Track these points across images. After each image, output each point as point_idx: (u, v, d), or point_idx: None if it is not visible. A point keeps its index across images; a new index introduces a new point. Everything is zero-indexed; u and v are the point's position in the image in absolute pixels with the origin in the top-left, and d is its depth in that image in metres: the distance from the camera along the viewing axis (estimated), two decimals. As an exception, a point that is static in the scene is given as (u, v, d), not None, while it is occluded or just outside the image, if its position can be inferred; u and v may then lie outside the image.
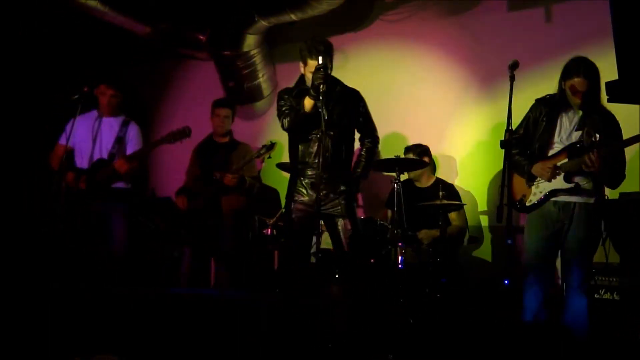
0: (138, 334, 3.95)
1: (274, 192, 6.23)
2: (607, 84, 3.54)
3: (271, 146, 5.18)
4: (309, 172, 4.14)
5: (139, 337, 3.94)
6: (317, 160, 4.02)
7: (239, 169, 5.18)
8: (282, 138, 6.38)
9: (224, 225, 5.22)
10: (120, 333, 3.98)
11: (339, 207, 4.14)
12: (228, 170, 5.17)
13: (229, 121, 5.45)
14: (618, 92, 3.51)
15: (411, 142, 5.60)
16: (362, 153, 4.37)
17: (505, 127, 3.69)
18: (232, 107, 5.52)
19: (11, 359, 3.88)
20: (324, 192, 4.07)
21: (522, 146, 3.95)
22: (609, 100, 3.58)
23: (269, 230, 5.21)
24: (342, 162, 4.20)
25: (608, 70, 3.71)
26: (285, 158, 5.33)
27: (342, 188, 4.16)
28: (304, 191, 4.16)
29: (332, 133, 4.09)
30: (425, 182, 5.50)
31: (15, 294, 4.18)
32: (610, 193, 4.05)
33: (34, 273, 4.96)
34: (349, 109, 4.23)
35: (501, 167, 3.71)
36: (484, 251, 5.61)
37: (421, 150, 5.45)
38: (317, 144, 4.10)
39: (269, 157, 5.27)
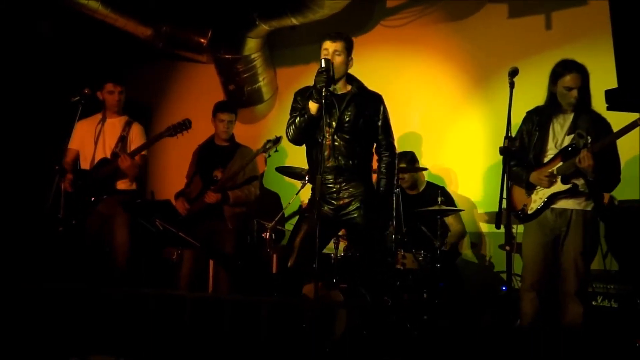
0: (136, 336, 3.96)
1: (274, 196, 6.23)
2: (607, 92, 3.54)
3: (277, 140, 5.11)
4: (327, 177, 3.93)
5: (136, 339, 3.95)
6: (329, 165, 3.91)
7: (236, 173, 5.16)
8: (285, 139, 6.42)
9: (225, 228, 5.21)
10: (118, 334, 3.98)
11: (357, 216, 3.93)
12: (226, 173, 5.17)
13: (233, 126, 5.41)
14: (617, 100, 3.52)
15: (409, 148, 5.61)
16: (382, 170, 4.04)
17: (504, 134, 3.73)
18: (235, 111, 5.51)
19: (8, 359, 3.89)
20: (343, 199, 3.94)
21: (519, 157, 3.97)
22: (608, 109, 3.60)
23: (268, 233, 5.20)
24: (357, 168, 3.98)
25: (607, 77, 3.72)
26: (287, 162, 5.35)
27: (360, 197, 3.94)
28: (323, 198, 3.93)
29: (346, 137, 3.92)
30: (419, 187, 5.51)
31: (12, 294, 4.19)
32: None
33: (32, 273, 4.96)
34: (365, 113, 3.97)
35: (500, 173, 3.74)
36: (483, 257, 5.62)
37: (412, 157, 5.46)
38: (328, 148, 3.92)
39: (276, 151, 5.22)
